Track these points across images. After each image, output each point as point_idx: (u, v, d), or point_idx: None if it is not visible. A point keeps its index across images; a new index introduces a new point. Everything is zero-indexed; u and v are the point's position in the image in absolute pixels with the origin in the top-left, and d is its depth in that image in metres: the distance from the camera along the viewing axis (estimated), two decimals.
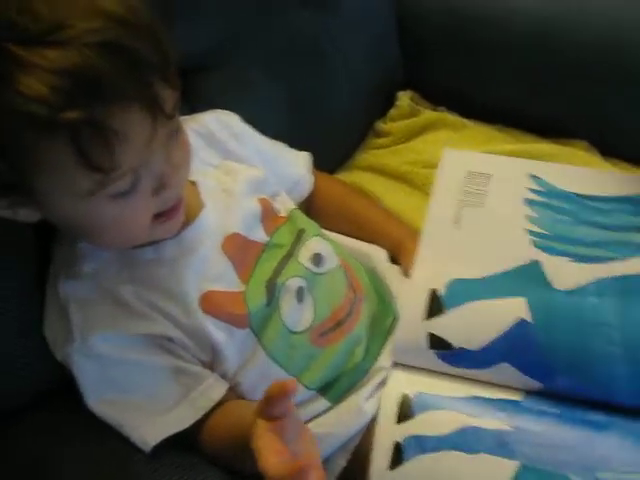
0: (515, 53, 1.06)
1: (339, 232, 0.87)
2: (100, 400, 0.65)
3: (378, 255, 0.85)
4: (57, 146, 0.52)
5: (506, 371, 0.70)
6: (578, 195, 0.79)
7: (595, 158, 1.03)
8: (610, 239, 0.76)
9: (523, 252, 0.76)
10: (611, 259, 0.74)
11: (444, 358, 0.72)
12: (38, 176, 0.56)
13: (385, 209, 0.95)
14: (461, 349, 0.72)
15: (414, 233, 0.85)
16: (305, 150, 0.90)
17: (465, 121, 1.10)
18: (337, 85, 1.02)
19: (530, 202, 0.79)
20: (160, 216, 0.63)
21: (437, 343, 0.73)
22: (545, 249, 0.76)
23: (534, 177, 0.81)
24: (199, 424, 0.67)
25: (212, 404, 0.66)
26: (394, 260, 0.85)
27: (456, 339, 0.72)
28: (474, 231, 0.79)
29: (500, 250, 0.77)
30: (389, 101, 1.14)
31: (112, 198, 0.58)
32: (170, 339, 0.66)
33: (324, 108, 1.01)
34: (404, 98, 1.13)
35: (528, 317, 0.72)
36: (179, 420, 0.65)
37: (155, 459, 0.64)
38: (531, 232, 0.77)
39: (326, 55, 1.00)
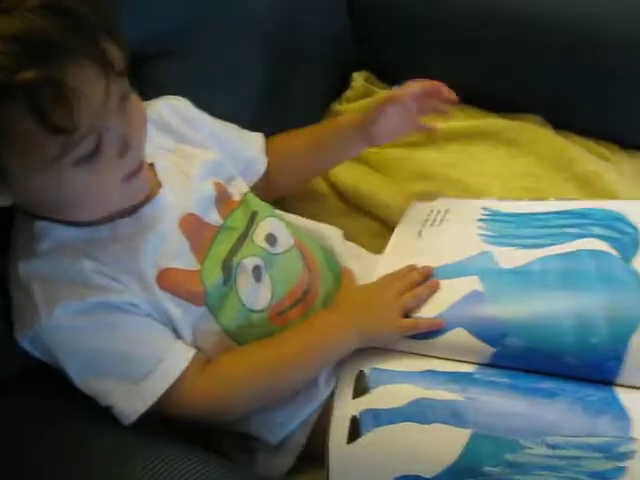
0: (466, 32, 1.07)
1: (310, 173, 0.95)
2: (80, 372, 0.67)
3: (333, 234, 0.89)
4: (17, 112, 0.54)
5: (460, 336, 0.74)
6: (522, 213, 0.86)
7: (547, 131, 1.06)
8: (549, 233, 0.82)
9: (475, 246, 0.83)
10: (551, 244, 0.80)
11: None
12: (5, 151, 0.57)
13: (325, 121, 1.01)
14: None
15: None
16: (260, 131, 0.91)
17: None
18: (292, 69, 1.04)
19: (481, 220, 0.87)
20: (129, 176, 0.65)
21: None
22: (494, 243, 0.82)
23: (484, 208, 0.89)
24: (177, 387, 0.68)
25: (188, 362, 0.68)
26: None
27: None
28: (433, 239, 0.87)
29: (455, 247, 0.83)
30: (344, 82, 1.16)
31: (79, 165, 0.60)
32: (135, 305, 0.68)
33: (279, 91, 1.03)
34: (358, 79, 1.15)
35: (480, 289, 0.77)
36: (160, 384, 0.67)
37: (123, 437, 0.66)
38: (482, 235, 0.84)
39: (279, 41, 1.01)
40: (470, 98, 1.09)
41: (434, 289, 0.77)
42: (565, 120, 1.07)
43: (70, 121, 0.56)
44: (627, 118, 1.05)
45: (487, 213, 0.87)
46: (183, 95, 0.85)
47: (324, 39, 1.10)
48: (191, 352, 0.70)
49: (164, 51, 0.90)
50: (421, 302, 0.76)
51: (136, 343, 0.68)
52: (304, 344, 0.73)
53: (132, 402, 0.67)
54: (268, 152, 0.90)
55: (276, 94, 1.02)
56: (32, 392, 0.72)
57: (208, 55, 0.93)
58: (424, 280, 0.78)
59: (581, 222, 0.82)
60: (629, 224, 0.80)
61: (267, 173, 0.90)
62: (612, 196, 0.95)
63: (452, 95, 0.87)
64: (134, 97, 0.65)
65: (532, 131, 1.05)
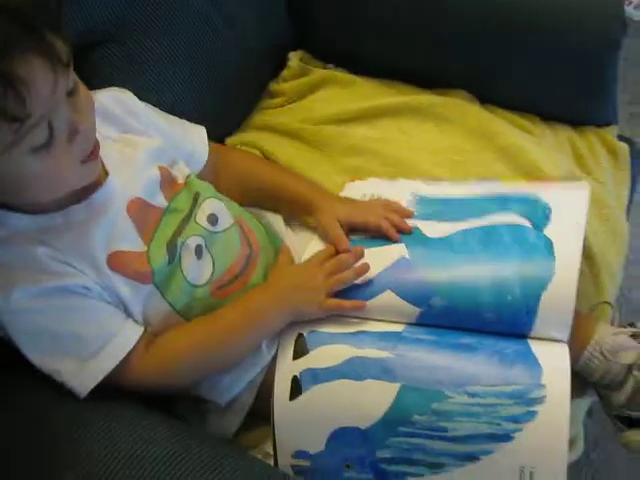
0: (393, 13, 1.11)
1: (250, 204, 0.93)
2: (35, 351, 0.71)
3: (274, 217, 0.94)
4: None
5: (389, 298, 0.80)
6: (446, 198, 0.92)
7: (473, 106, 1.11)
8: (471, 210, 0.88)
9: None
10: (471, 218, 0.86)
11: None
12: None
13: (290, 172, 1.01)
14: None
15: (321, 190, 0.94)
16: (202, 115, 0.94)
17: (353, 77, 1.16)
18: (228, 52, 1.06)
19: (409, 203, 0.92)
20: (83, 162, 0.68)
21: None
22: (420, 219, 0.88)
23: (411, 193, 0.93)
24: (132, 361, 0.73)
25: (134, 341, 0.73)
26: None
27: None
28: None
29: None
30: (281, 62, 1.19)
31: (34, 152, 0.63)
32: (87, 288, 0.72)
33: (217, 75, 1.05)
34: (294, 59, 1.18)
35: (407, 256, 0.83)
36: (108, 360, 0.72)
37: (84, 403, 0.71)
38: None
39: (215, 23, 1.03)
40: (400, 75, 1.15)
41: (361, 273, 0.81)
42: (490, 94, 1.12)
43: (22, 110, 0.59)
44: (551, 93, 1.11)
45: (415, 198, 0.92)
46: (123, 81, 0.88)
47: (260, 22, 1.13)
48: (139, 331, 0.75)
49: (103, 39, 0.92)
50: (347, 285, 0.81)
51: (87, 324, 0.72)
52: (240, 322, 0.78)
53: (82, 380, 0.71)
54: (223, 164, 0.94)
55: (215, 79, 1.05)
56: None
57: (146, 41, 0.95)
58: (355, 261, 0.83)
59: (499, 202, 0.88)
60: (543, 203, 0.86)
61: (213, 168, 0.92)
62: (532, 165, 1.01)
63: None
64: (81, 86, 0.68)
65: (459, 106, 1.09)
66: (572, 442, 0.92)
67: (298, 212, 0.93)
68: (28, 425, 0.71)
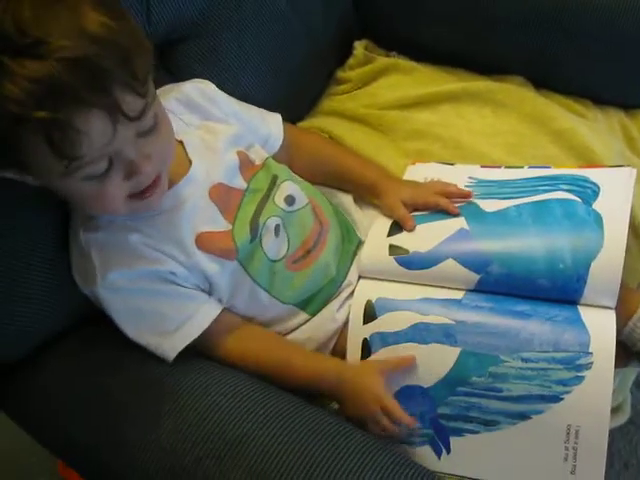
0: (452, 3, 1.16)
1: (317, 183, 0.99)
2: (128, 326, 0.80)
3: (345, 196, 1.00)
4: (33, 138, 0.63)
5: (450, 266, 0.86)
6: (501, 180, 0.97)
7: (528, 92, 1.14)
8: (524, 189, 0.93)
9: (462, 201, 0.94)
10: (525, 196, 0.91)
11: (401, 262, 0.88)
12: (22, 157, 0.66)
13: (358, 156, 1.05)
14: (415, 252, 0.89)
15: (386, 174, 1.00)
16: (275, 102, 1.00)
17: (415, 64, 1.20)
18: (298, 42, 1.11)
19: (467, 186, 0.96)
20: (136, 196, 0.73)
21: (395, 250, 0.90)
22: (478, 198, 0.94)
23: (470, 177, 0.98)
24: (211, 340, 0.82)
25: (208, 324, 0.81)
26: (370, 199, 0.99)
27: (411, 246, 0.90)
28: None
29: None
30: (347, 51, 1.24)
31: (87, 180, 0.68)
32: (174, 273, 0.80)
33: (288, 64, 1.10)
34: (359, 47, 1.23)
35: (466, 227, 0.89)
36: (184, 338, 0.80)
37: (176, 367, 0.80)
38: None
39: (286, 16, 1.09)
40: (459, 62, 1.19)
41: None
42: (545, 79, 1.16)
43: (73, 152, 0.64)
44: (603, 77, 1.13)
45: (472, 181, 0.97)
46: (204, 73, 0.95)
47: (327, 14, 1.17)
48: (214, 313, 0.82)
49: (186, 35, 0.99)
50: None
51: (169, 307, 0.80)
52: (300, 374, 0.83)
53: (163, 352, 0.80)
54: (296, 146, 0.99)
55: (287, 68, 1.11)
56: (98, 334, 0.86)
57: (224, 35, 1.01)
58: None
59: (550, 182, 0.93)
60: (592, 182, 0.91)
61: (287, 149, 0.97)
62: (585, 147, 1.04)
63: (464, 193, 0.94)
64: (163, 123, 0.73)
65: (515, 92, 1.12)
66: (619, 408, 0.98)
67: (364, 194, 1.00)
68: (129, 381, 0.80)
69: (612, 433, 0.96)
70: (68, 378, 0.83)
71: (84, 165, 0.66)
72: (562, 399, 0.79)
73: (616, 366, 0.79)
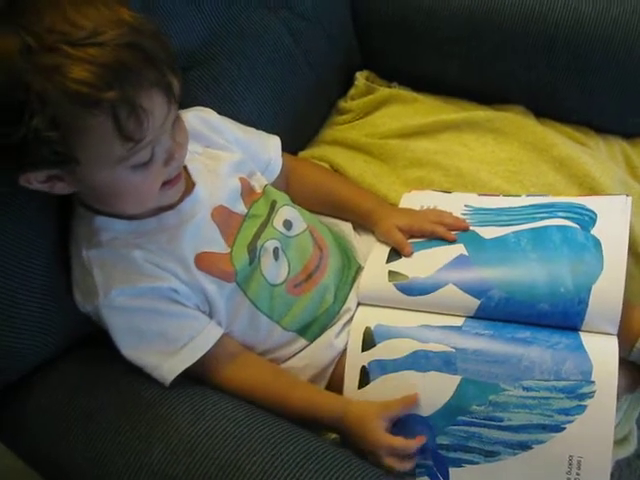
0: (453, 35, 1.16)
1: (315, 211, 1.00)
2: (127, 346, 0.79)
3: (344, 224, 1.00)
4: (99, 119, 0.66)
5: (451, 292, 0.86)
6: (498, 207, 0.96)
7: (529, 120, 1.14)
8: (522, 217, 0.93)
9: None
10: (523, 223, 0.91)
11: (401, 289, 0.88)
12: (82, 147, 0.69)
13: (355, 185, 1.07)
14: (414, 278, 0.88)
15: (382, 203, 1.01)
16: (276, 132, 1.00)
17: (415, 95, 1.22)
18: (300, 73, 1.13)
19: (463, 214, 0.96)
20: (166, 184, 0.77)
21: (395, 276, 0.89)
22: (475, 226, 0.93)
23: (466, 205, 0.98)
24: (209, 364, 0.81)
25: (210, 346, 0.81)
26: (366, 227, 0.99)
27: (410, 272, 0.89)
28: None
29: None
30: (349, 81, 1.25)
31: (133, 168, 0.72)
32: (176, 291, 0.80)
33: (291, 94, 1.11)
34: (361, 78, 1.24)
35: (466, 253, 0.89)
36: (184, 360, 0.79)
37: (171, 390, 0.79)
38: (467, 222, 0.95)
39: (289, 48, 1.10)
40: (460, 92, 1.20)
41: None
42: (546, 109, 1.17)
43: (139, 133, 0.69)
44: (604, 107, 1.14)
45: (468, 209, 0.97)
46: (208, 102, 0.96)
47: (330, 46, 1.19)
48: (217, 335, 0.82)
49: (190, 65, 1.00)
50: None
51: (171, 326, 0.80)
52: (298, 406, 0.82)
53: (161, 373, 0.79)
54: (294, 174, 1.01)
55: (290, 98, 1.12)
56: (94, 355, 0.86)
57: (228, 65, 1.03)
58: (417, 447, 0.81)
59: (548, 209, 0.93)
60: (588, 209, 0.91)
61: (286, 177, 0.99)
62: (587, 175, 1.04)
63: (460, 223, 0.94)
64: (180, 119, 0.77)
65: (515, 120, 1.13)
66: (625, 439, 0.95)
67: (361, 222, 1.00)
68: (123, 404, 0.79)
69: (618, 465, 0.95)
70: (61, 401, 0.82)
71: (141, 149, 0.70)
72: (564, 429, 0.78)
73: (621, 393, 0.79)
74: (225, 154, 0.90)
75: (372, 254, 0.94)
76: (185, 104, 0.93)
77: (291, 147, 1.08)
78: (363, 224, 1.00)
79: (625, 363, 0.83)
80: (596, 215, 0.90)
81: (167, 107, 0.71)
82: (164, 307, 0.80)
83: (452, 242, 0.91)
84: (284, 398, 0.83)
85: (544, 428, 0.78)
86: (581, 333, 0.82)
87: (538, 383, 0.80)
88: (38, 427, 0.81)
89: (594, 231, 0.87)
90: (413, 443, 0.81)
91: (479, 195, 1.01)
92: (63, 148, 0.69)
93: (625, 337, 0.81)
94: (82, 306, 0.81)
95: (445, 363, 0.82)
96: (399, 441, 0.80)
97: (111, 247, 0.79)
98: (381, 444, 0.80)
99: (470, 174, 1.07)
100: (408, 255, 0.91)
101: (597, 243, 0.86)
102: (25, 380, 0.84)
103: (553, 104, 1.17)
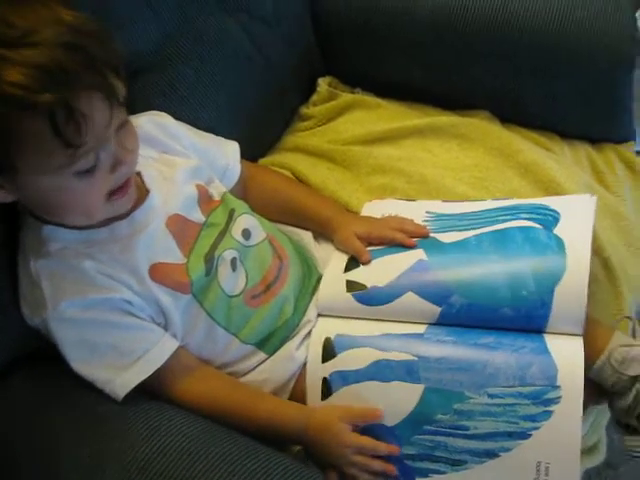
0: (416, 40, 1.16)
1: (276, 220, 0.98)
2: (77, 359, 0.76)
3: (304, 233, 0.99)
4: (36, 124, 0.64)
5: (411, 300, 0.84)
6: (460, 213, 0.95)
7: (494, 126, 1.14)
8: (483, 220, 0.92)
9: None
10: (484, 226, 0.90)
11: (359, 299, 0.87)
12: (20, 153, 0.66)
13: (315, 192, 1.06)
14: (373, 287, 0.87)
15: (342, 210, 1.00)
16: (235, 138, 0.99)
17: (379, 100, 1.21)
18: (260, 78, 1.11)
19: (425, 221, 0.95)
20: (113, 194, 0.74)
21: (353, 286, 0.88)
22: (436, 232, 0.92)
23: (427, 212, 0.97)
24: (165, 378, 0.79)
25: (165, 359, 0.78)
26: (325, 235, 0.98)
27: (368, 280, 0.88)
28: None
29: None
30: (311, 87, 1.24)
31: (77, 175, 0.69)
32: (129, 302, 0.77)
33: (250, 100, 1.10)
34: (323, 84, 1.24)
35: (425, 258, 0.88)
36: (139, 374, 0.77)
37: (124, 406, 0.76)
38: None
39: (248, 52, 1.09)
40: (424, 98, 1.20)
41: (386, 471, 0.80)
42: (511, 114, 1.16)
43: (79, 138, 0.66)
44: (569, 113, 1.15)
45: (430, 216, 0.96)
46: (163, 107, 0.94)
47: (290, 51, 1.18)
48: (172, 347, 0.79)
49: (144, 69, 0.98)
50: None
51: (124, 339, 0.77)
52: (264, 419, 0.81)
53: (113, 388, 0.76)
54: (252, 181, 0.99)
55: (249, 104, 1.11)
56: (43, 370, 0.82)
57: (184, 70, 1.01)
58: (389, 453, 0.80)
59: (510, 212, 0.92)
60: (552, 209, 0.90)
61: (244, 185, 0.97)
62: (552, 181, 1.04)
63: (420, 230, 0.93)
64: (129, 124, 0.75)
65: (480, 126, 1.13)
66: (594, 448, 0.95)
67: (320, 230, 0.98)
68: (75, 420, 0.77)
69: (588, 475, 0.93)
70: (9, 418, 0.79)
71: (83, 155, 0.68)
72: (530, 435, 0.77)
73: (587, 404, 0.78)
74: (181, 160, 0.88)
75: (330, 263, 0.93)
76: (141, 109, 0.92)
77: (251, 154, 1.06)
78: (322, 232, 0.98)
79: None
80: (559, 214, 0.89)
81: (109, 111, 0.69)
82: (117, 319, 0.77)
83: (411, 248, 0.90)
84: (245, 411, 0.81)
85: (510, 435, 0.77)
86: (546, 335, 0.81)
87: (503, 390, 0.78)
88: None
89: (557, 230, 0.86)
90: (383, 446, 0.80)
91: (443, 202, 1.00)
92: None
93: (587, 354, 0.79)
94: (30, 319, 0.78)
95: (408, 372, 0.81)
96: (367, 440, 0.80)
97: (60, 257, 0.77)
98: (348, 444, 0.79)
99: (434, 181, 1.06)
100: (366, 263, 0.90)
101: (560, 242, 0.85)
102: None
103: (518, 109, 1.17)
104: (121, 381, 0.76)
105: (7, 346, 0.81)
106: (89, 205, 0.74)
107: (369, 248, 0.91)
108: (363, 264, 0.90)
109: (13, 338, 0.80)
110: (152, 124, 0.88)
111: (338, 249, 0.94)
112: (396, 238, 0.91)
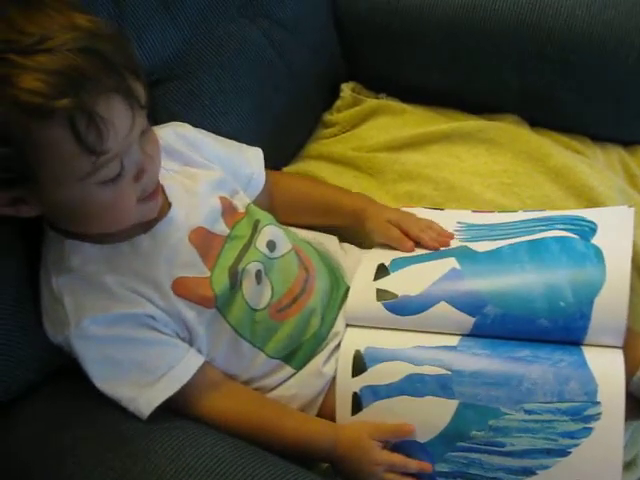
0: (441, 42, 1.14)
1: (306, 223, 0.97)
2: (100, 377, 0.75)
3: (329, 241, 0.97)
4: (56, 131, 0.62)
5: (443, 310, 0.82)
6: (492, 223, 0.93)
7: (523, 130, 1.12)
8: (517, 231, 0.89)
9: (453, 243, 0.91)
10: (519, 236, 0.88)
11: (390, 308, 0.84)
12: (40, 163, 0.65)
13: (341, 188, 1.04)
14: (404, 296, 0.84)
15: (372, 201, 0.98)
16: (260, 147, 0.96)
17: (404, 106, 1.19)
18: (282, 85, 1.10)
19: (456, 231, 0.93)
20: (144, 199, 0.73)
21: (383, 295, 0.85)
22: (469, 241, 0.90)
23: (459, 222, 0.95)
24: (190, 395, 0.77)
25: (190, 375, 0.76)
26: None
27: (399, 289, 0.85)
28: None
29: None
30: (334, 94, 1.23)
31: (102, 184, 0.68)
32: (152, 317, 0.76)
33: (273, 107, 1.09)
34: (347, 89, 1.22)
35: (458, 267, 0.85)
36: (164, 390, 0.75)
37: (149, 424, 0.74)
38: (457, 238, 0.92)
39: (270, 59, 1.08)
40: (450, 102, 1.18)
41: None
42: (541, 117, 1.14)
43: (101, 144, 0.64)
44: (601, 114, 1.12)
45: (461, 226, 0.94)
46: (184, 116, 0.93)
47: (313, 57, 1.17)
48: (197, 363, 0.77)
49: (164, 77, 0.97)
50: None
51: (149, 355, 0.76)
52: (291, 438, 0.79)
53: (137, 406, 0.74)
54: (277, 187, 0.97)
55: (271, 109, 1.09)
56: (66, 387, 0.81)
57: (205, 78, 1.00)
58: (420, 471, 0.79)
59: (545, 223, 0.89)
60: (588, 220, 0.87)
61: (269, 193, 0.96)
62: (584, 186, 1.02)
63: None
64: (151, 130, 0.73)
65: (509, 130, 1.11)
66: (632, 463, 0.92)
67: (351, 223, 0.97)
68: (99, 439, 0.75)
69: None
70: (33, 439, 0.77)
71: (106, 162, 0.66)
72: (570, 453, 0.74)
73: (626, 418, 0.75)
74: (204, 172, 0.86)
75: (359, 271, 0.90)
76: (162, 119, 0.91)
77: (275, 163, 1.05)
78: (356, 225, 0.96)
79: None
80: (596, 225, 0.86)
81: (130, 114, 0.67)
82: (140, 335, 0.76)
83: (440, 255, 0.88)
84: (272, 427, 0.79)
85: (548, 453, 0.75)
86: (584, 348, 0.78)
87: (541, 405, 0.76)
88: (8, 468, 0.77)
89: (594, 240, 0.84)
90: (414, 463, 0.78)
91: (473, 212, 0.98)
92: (19, 166, 0.65)
93: (625, 366, 0.76)
94: (53, 337, 0.76)
95: (441, 387, 0.78)
96: (398, 457, 0.78)
97: (82, 273, 0.75)
98: (379, 461, 0.78)
99: (462, 187, 1.04)
100: (409, 250, 0.90)
101: (598, 252, 0.82)
102: None
103: (548, 112, 1.15)
104: (146, 399, 0.74)
105: (32, 365, 0.79)
106: (119, 212, 0.72)
107: (399, 256, 0.90)
108: (406, 251, 0.90)
109: (37, 356, 0.79)
110: (174, 135, 0.87)
111: (376, 243, 0.94)
112: (422, 238, 0.90)
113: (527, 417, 0.75)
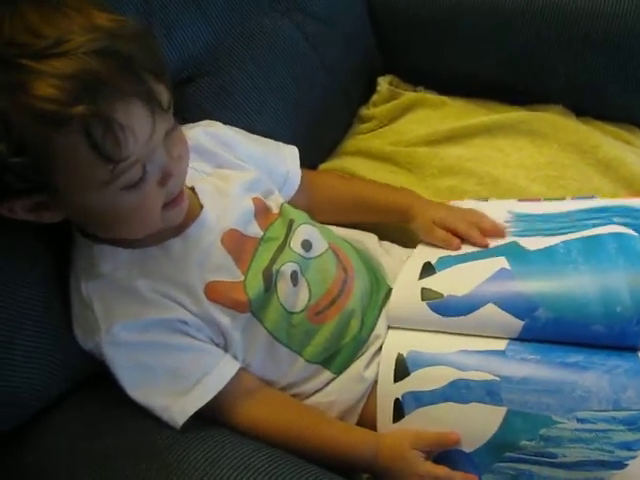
0: (480, 31, 1.11)
1: (346, 221, 0.96)
2: (132, 385, 0.73)
3: (369, 239, 0.95)
4: (72, 139, 0.60)
5: (491, 312, 0.78)
6: (544, 213, 0.90)
7: (569, 120, 1.09)
8: (571, 224, 0.86)
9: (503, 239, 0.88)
10: (572, 232, 0.84)
11: (435, 308, 0.81)
12: (57, 171, 0.63)
13: (384, 183, 1.01)
14: (450, 296, 0.81)
15: (418, 196, 0.96)
16: (294, 143, 0.95)
17: (444, 98, 1.17)
18: (317, 80, 1.08)
19: (506, 221, 0.90)
20: (168, 205, 0.71)
21: (428, 294, 0.82)
22: (519, 236, 0.87)
23: (509, 211, 0.92)
24: (225, 402, 0.74)
25: (225, 382, 0.74)
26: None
27: (445, 289, 0.82)
28: None
29: None
30: (371, 87, 1.20)
31: (125, 190, 0.66)
32: (185, 322, 0.74)
33: (308, 103, 1.06)
34: (384, 83, 1.20)
35: (508, 266, 0.81)
36: (198, 399, 0.72)
37: (183, 434, 0.72)
38: (508, 231, 0.89)
39: (304, 53, 1.06)
40: (491, 93, 1.15)
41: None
42: (588, 106, 1.11)
43: (119, 152, 0.62)
44: None
45: (511, 215, 0.91)
46: (216, 114, 0.91)
47: (348, 50, 1.14)
48: (233, 370, 0.75)
49: (195, 74, 0.95)
50: None
51: (182, 362, 0.74)
52: (334, 448, 0.76)
53: (171, 415, 0.72)
54: (314, 185, 0.95)
55: (306, 105, 1.06)
56: (95, 396, 0.79)
57: (237, 73, 0.98)
58: None
59: (601, 215, 0.85)
60: None
61: (306, 192, 0.94)
62: (635, 177, 0.99)
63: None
64: (178, 131, 0.71)
65: (554, 121, 1.08)
66: None
67: (398, 221, 0.95)
68: (133, 451, 0.73)
69: None
70: (63, 448, 0.75)
71: (126, 169, 0.64)
72: (626, 465, 0.70)
73: None
74: (237, 173, 0.84)
75: (403, 270, 0.87)
76: (193, 118, 0.89)
77: (311, 160, 1.02)
78: (402, 223, 0.94)
79: None
80: None
81: (151, 120, 0.64)
82: (173, 341, 0.74)
83: (490, 253, 0.84)
84: (310, 437, 0.76)
85: (603, 465, 0.71)
86: None
87: (595, 414, 0.72)
88: (37, 477, 0.75)
89: None
90: (459, 475, 0.74)
91: (519, 201, 0.94)
92: (34, 174, 0.63)
93: None
94: (83, 343, 0.75)
95: (488, 393, 0.75)
96: (442, 469, 0.75)
97: (112, 278, 0.73)
98: (421, 473, 0.75)
99: (507, 181, 1.01)
100: (456, 249, 0.87)
101: None
102: (24, 427, 0.77)
103: (594, 100, 1.12)
104: (179, 408, 0.72)
105: (64, 372, 0.78)
106: (145, 217, 0.70)
107: (446, 254, 0.87)
108: (453, 250, 0.87)
109: (69, 364, 0.77)
110: (205, 135, 0.85)
111: (422, 242, 0.91)
112: (470, 234, 0.87)
113: (580, 426, 0.72)
